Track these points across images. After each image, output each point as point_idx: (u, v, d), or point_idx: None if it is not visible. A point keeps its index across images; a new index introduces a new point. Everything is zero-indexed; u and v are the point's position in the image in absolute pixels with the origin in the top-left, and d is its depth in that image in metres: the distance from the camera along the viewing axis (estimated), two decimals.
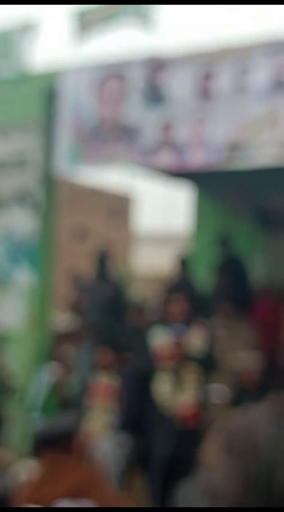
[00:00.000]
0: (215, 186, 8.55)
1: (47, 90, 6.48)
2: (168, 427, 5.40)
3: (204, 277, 8.56)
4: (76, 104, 6.20)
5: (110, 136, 6.00)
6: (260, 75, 5.25)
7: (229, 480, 0.67)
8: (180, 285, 8.13)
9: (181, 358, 5.44)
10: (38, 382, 6.05)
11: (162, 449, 5.44)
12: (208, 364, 5.44)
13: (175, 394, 5.41)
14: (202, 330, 5.54)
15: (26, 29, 6.59)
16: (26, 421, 5.88)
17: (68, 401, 7.74)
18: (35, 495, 3.31)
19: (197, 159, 5.54)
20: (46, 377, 5.96)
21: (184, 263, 8.52)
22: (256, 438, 0.64)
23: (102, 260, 7.62)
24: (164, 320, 5.90)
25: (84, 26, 6.27)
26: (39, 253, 6.55)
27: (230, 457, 0.68)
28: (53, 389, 5.96)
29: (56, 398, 5.98)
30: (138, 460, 6.09)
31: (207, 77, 5.52)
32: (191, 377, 5.40)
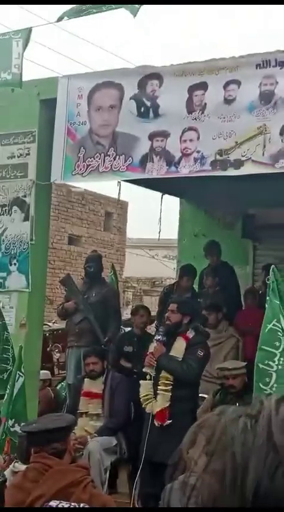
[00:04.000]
0: (205, 196, 8.62)
1: (43, 98, 6.55)
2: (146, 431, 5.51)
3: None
4: (71, 112, 6.27)
5: (103, 145, 6.08)
6: (250, 88, 5.35)
7: (206, 479, 0.71)
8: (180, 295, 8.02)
9: (156, 366, 5.56)
10: (15, 385, 6.07)
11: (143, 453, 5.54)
12: (181, 375, 5.49)
13: (151, 399, 5.52)
14: (183, 342, 5.60)
15: (22, 35, 6.63)
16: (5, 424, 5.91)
17: (57, 405, 7.80)
18: (21, 497, 3.36)
19: (187, 169, 5.63)
20: (21, 380, 5.99)
21: (189, 271, 8.29)
22: (231, 438, 0.68)
23: (94, 265, 7.66)
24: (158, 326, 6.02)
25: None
26: (31, 257, 6.60)
27: (206, 456, 0.72)
28: (24, 394, 5.98)
29: (24, 402, 6.00)
30: (126, 463, 6.17)
31: (198, 88, 5.61)
32: (164, 384, 5.49)
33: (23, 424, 5.04)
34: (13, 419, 5.83)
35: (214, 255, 8.15)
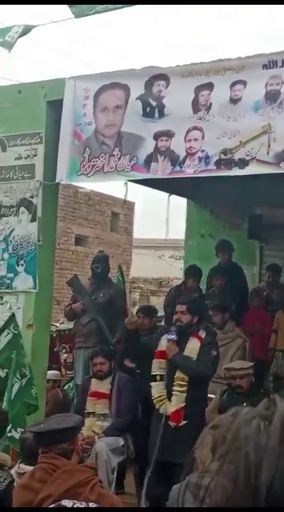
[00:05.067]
0: (211, 196, 8.62)
1: (50, 99, 6.57)
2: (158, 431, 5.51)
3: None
4: (77, 112, 6.29)
5: (108, 145, 6.10)
6: (256, 88, 5.35)
7: (219, 481, 0.70)
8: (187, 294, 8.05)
9: (169, 365, 5.57)
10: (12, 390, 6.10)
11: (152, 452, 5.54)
12: (199, 375, 5.52)
13: (164, 400, 5.52)
14: (197, 342, 5.61)
15: (26, 26, 6.71)
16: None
17: (65, 405, 7.81)
18: (29, 497, 3.37)
19: (192, 168, 5.63)
20: (17, 385, 6.02)
21: (194, 272, 8.26)
22: (245, 439, 0.68)
23: (101, 265, 7.67)
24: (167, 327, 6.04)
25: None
26: (38, 258, 6.62)
27: (220, 457, 0.72)
28: (22, 398, 6.01)
29: (21, 406, 6.03)
30: (133, 463, 6.18)
31: (205, 89, 5.62)
32: (179, 385, 5.49)
33: (30, 424, 5.05)
34: (10, 425, 5.82)
35: (226, 253, 8.15)
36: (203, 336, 5.62)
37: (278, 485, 0.76)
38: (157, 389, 5.58)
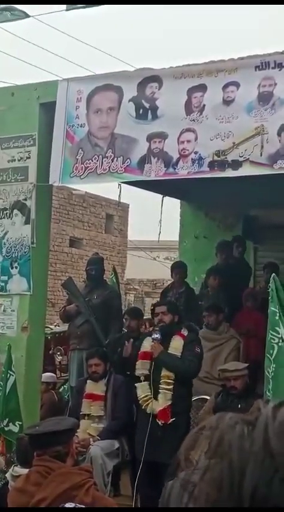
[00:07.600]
0: (205, 197, 8.63)
1: (43, 101, 6.57)
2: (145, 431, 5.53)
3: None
4: (70, 114, 6.29)
5: (101, 147, 6.10)
6: (249, 90, 5.36)
7: (203, 488, 0.70)
8: (175, 291, 8.15)
9: (153, 365, 5.60)
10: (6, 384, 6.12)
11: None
12: (183, 372, 5.56)
13: (150, 399, 5.54)
14: (180, 340, 5.64)
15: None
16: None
17: (60, 407, 7.80)
18: (24, 500, 3.37)
19: (185, 170, 5.63)
20: (12, 379, 6.03)
21: (177, 266, 8.48)
22: (228, 445, 0.68)
23: (96, 267, 7.67)
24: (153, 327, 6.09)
25: None
26: (32, 260, 6.61)
27: (206, 459, 0.71)
28: (16, 392, 6.03)
29: (16, 400, 6.05)
30: (129, 465, 6.18)
31: (198, 90, 5.63)
32: (166, 383, 5.51)
33: (26, 427, 5.05)
34: (7, 419, 5.87)
35: (225, 253, 8.24)
36: (185, 334, 5.71)
37: (262, 492, 0.76)
38: (142, 389, 5.62)
